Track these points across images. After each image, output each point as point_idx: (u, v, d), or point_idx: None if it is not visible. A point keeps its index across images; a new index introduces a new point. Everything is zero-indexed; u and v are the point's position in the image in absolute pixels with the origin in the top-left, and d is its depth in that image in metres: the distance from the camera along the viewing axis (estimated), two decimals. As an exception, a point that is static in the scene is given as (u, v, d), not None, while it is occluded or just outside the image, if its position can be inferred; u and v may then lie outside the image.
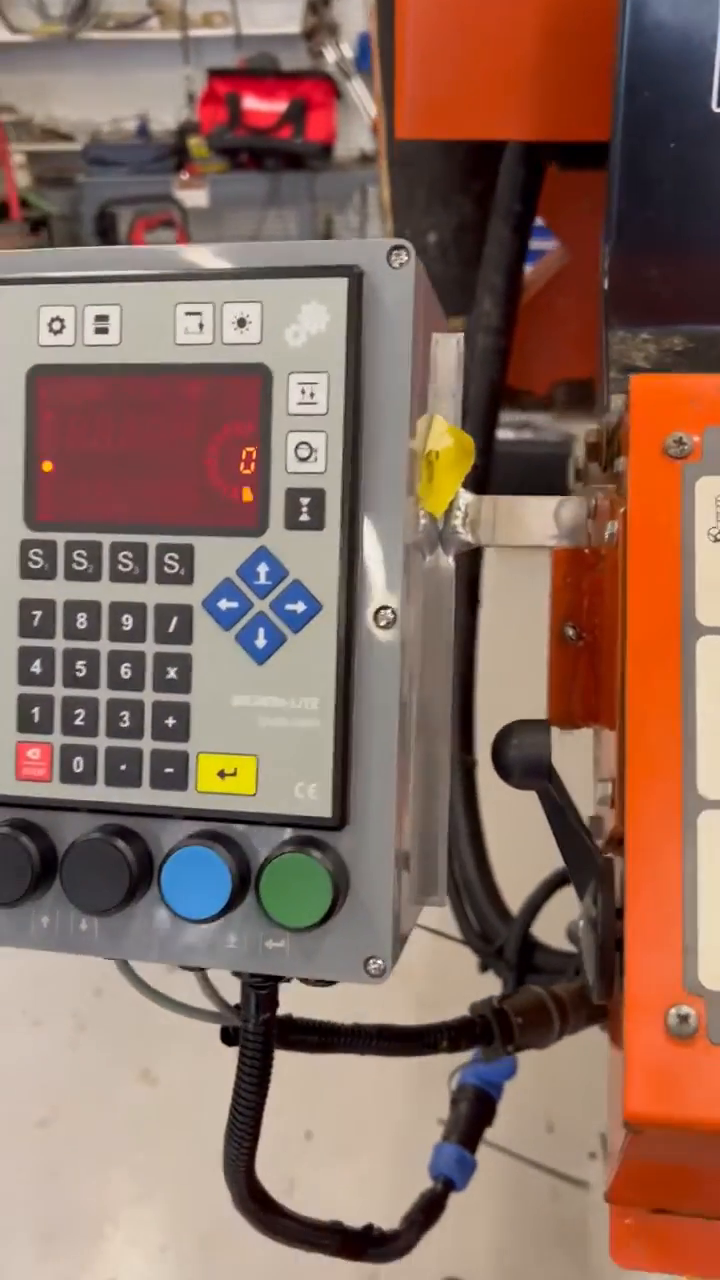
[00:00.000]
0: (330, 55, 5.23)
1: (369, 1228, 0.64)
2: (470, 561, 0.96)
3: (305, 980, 0.51)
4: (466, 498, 0.50)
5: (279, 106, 5.10)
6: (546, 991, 0.71)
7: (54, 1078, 1.70)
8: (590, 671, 0.52)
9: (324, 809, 0.45)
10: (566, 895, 0.90)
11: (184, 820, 0.47)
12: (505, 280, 0.90)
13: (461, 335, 0.50)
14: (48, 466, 0.47)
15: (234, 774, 0.46)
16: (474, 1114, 0.74)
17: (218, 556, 0.46)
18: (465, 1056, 0.79)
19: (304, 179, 5.12)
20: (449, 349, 0.49)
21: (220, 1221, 1.51)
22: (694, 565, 0.44)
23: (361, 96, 5.03)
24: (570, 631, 0.53)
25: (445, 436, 0.48)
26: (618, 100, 0.60)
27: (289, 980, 0.55)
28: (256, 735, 0.46)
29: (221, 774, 0.46)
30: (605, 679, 0.50)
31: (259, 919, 0.46)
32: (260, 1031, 0.52)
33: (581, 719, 0.53)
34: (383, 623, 0.45)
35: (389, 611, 0.45)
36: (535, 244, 0.95)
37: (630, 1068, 0.39)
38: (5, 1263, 1.45)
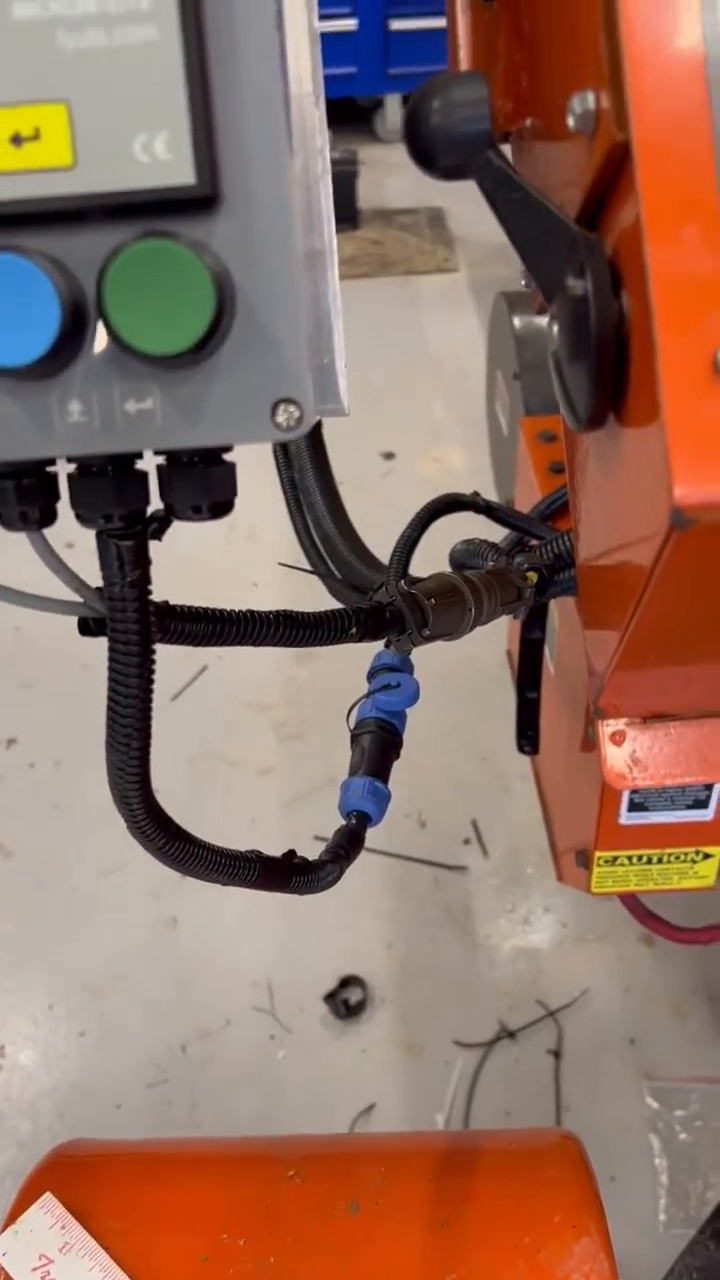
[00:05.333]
0: None
1: (291, 853, 0.55)
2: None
3: (184, 516, 0.38)
4: None
5: None
6: (454, 575, 0.61)
7: None
8: (516, 38, 0.38)
9: (183, 173, 0.30)
10: (439, 534, 0.79)
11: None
12: None
13: None
14: None
15: (35, 137, 0.29)
16: (379, 744, 0.64)
17: None
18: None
19: None
20: None
21: (105, 967, 1.46)
22: None
23: None
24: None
25: None
26: None
27: (158, 525, 0.42)
28: (61, 67, 0.29)
29: (16, 140, 0.30)
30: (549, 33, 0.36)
31: (109, 362, 0.31)
32: (131, 597, 0.39)
33: (511, 115, 0.39)
34: None
35: None
36: None
37: (673, 439, 0.28)
38: None
